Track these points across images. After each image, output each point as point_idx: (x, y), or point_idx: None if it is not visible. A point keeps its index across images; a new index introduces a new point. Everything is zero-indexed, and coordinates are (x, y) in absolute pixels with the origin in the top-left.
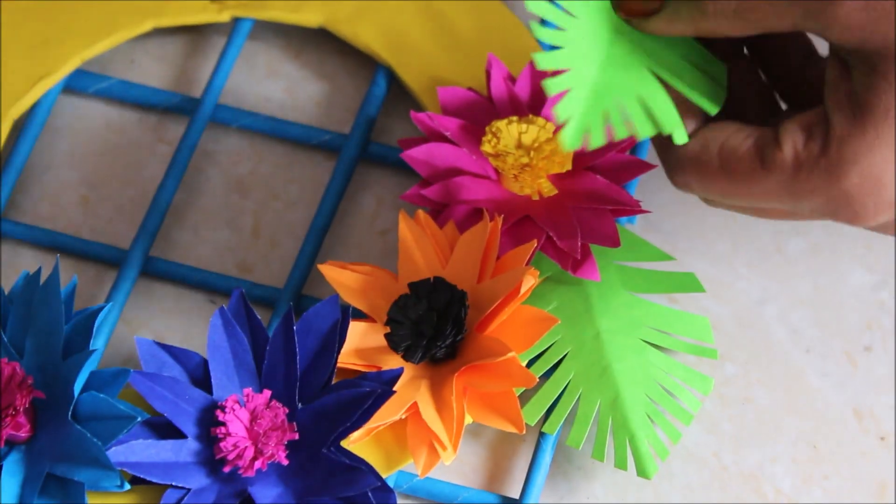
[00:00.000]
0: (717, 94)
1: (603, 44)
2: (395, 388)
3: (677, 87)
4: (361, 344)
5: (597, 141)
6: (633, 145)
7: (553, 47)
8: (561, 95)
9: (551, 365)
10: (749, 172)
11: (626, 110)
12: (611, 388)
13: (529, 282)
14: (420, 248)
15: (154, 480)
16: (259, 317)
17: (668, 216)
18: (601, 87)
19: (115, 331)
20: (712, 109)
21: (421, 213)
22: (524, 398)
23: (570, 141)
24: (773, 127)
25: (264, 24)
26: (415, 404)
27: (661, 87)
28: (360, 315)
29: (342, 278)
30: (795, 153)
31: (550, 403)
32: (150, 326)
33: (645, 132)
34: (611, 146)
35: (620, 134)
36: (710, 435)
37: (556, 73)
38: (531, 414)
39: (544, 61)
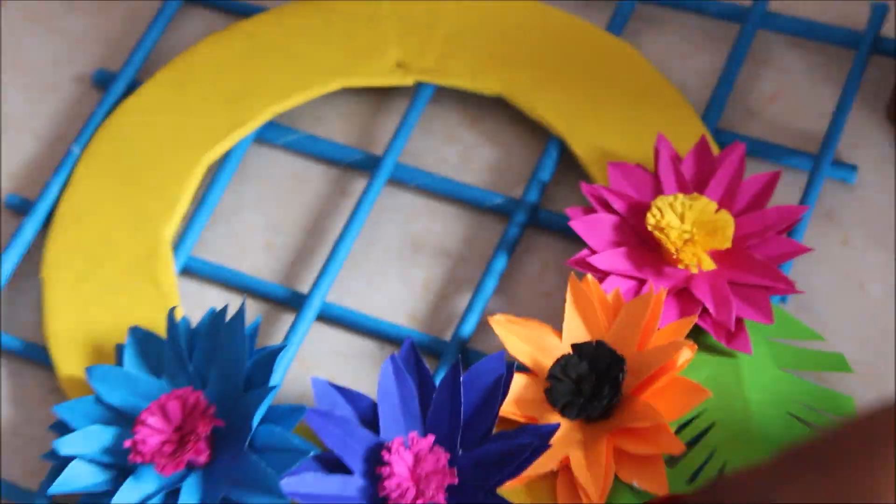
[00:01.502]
0: None
1: None
2: (550, 443)
3: None
4: (522, 396)
5: None
6: (791, 227)
7: None
8: None
9: (699, 432)
10: None
11: None
12: (757, 458)
13: (686, 355)
14: (585, 311)
15: None
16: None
17: (820, 299)
18: None
19: (290, 369)
20: None
21: (590, 278)
22: (669, 462)
23: None
24: None
25: (445, 90)
26: (567, 458)
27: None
28: (522, 369)
29: (510, 332)
30: None
31: (696, 469)
32: (323, 367)
33: None
34: (770, 227)
35: None
36: None
37: None
38: (677, 478)
39: None
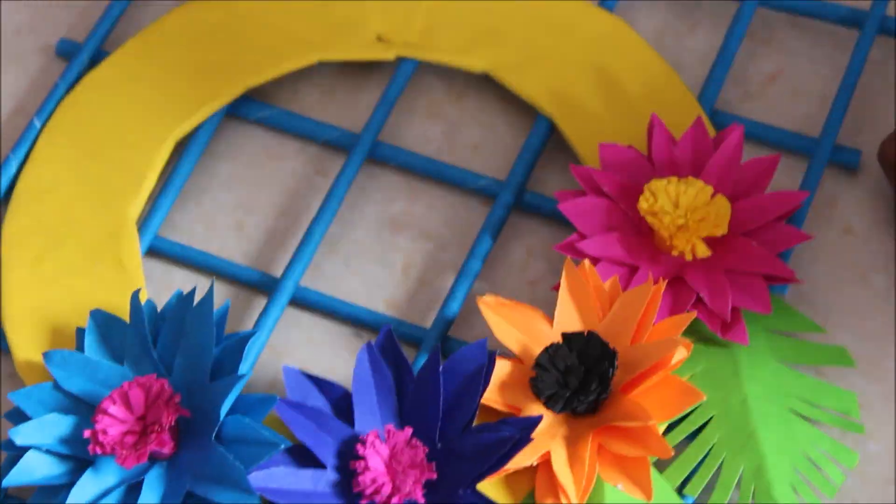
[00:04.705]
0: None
1: None
2: (532, 436)
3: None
4: (506, 383)
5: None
6: (790, 214)
7: None
8: None
9: (696, 427)
10: None
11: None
12: (755, 455)
13: (682, 354)
14: (580, 298)
15: None
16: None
17: (820, 289)
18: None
19: (261, 356)
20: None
21: (587, 263)
22: (666, 460)
23: None
24: None
25: (428, 65)
26: (547, 453)
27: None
28: (508, 355)
29: (498, 314)
30: None
31: (693, 466)
32: (296, 355)
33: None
34: (768, 213)
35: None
36: None
37: None
38: (674, 475)
39: None
